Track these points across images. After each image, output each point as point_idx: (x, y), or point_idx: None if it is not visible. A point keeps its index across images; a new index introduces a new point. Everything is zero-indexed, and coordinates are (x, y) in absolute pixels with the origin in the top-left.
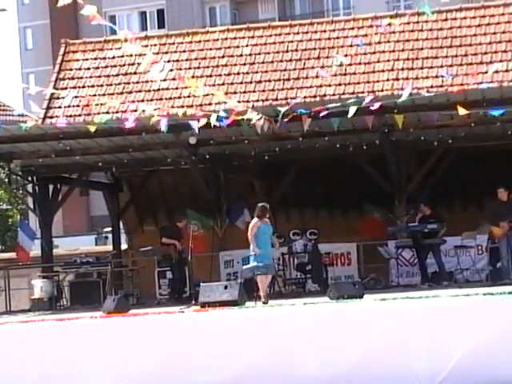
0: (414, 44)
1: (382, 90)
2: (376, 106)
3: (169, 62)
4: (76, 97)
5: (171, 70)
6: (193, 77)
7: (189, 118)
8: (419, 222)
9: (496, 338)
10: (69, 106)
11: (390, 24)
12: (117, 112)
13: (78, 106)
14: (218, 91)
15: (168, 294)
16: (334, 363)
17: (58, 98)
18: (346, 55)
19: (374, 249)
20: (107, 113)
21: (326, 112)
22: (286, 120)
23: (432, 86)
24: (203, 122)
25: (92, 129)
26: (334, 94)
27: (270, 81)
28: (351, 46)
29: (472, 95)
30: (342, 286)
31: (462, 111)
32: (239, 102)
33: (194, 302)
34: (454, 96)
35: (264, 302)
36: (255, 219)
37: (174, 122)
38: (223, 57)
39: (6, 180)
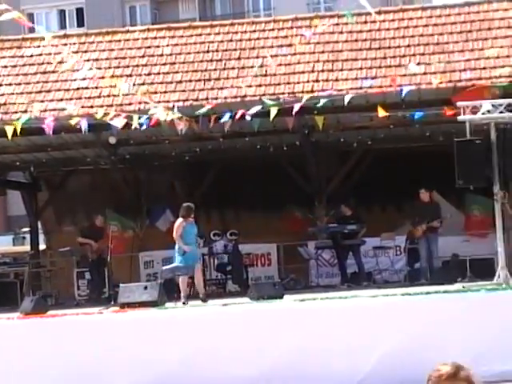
0: (334, 46)
1: (303, 92)
2: (297, 107)
3: (88, 61)
4: None
5: (90, 69)
6: (112, 76)
7: (111, 117)
8: (339, 222)
9: (414, 337)
10: None
11: (310, 26)
12: (34, 111)
13: None
14: (143, 93)
15: (87, 295)
16: (255, 363)
17: None
18: (265, 56)
19: (294, 249)
20: (25, 111)
21: (248, 114)
22: (208, 121)
23: (351, 89)
24: (123, 122)
25: (9, 132)
26: (254, 95)
27: (190, 81)
28: (271, 47)
29: (391, 97)
30: (263, 286)
31: (381, 113)
32: (159, 101)
33: (113, 302)
34: (372, 98)
35: (184, 303)
36: (180, 219)
37: (93, 121)
38: (143, 56)
39: None
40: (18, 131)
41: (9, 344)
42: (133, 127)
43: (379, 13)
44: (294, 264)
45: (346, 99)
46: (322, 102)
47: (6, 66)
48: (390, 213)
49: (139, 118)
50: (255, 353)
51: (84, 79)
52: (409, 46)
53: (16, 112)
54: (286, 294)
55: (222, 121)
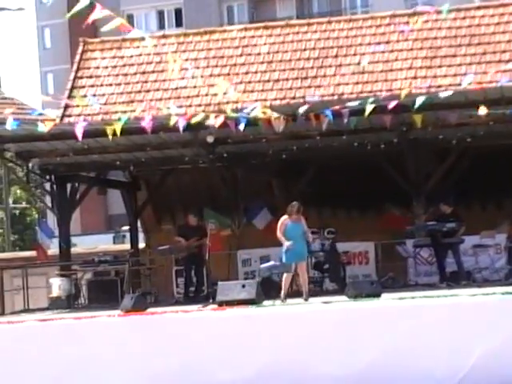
0: (432, 42)
1: (400, 89)
2: (392, 104)
3: (186, 60)
4: (94, 95)
5: (197, 68)
6: (211, 75)
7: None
8: (438, 220)
9: None
10: (86, 106)
11: (408, 22)
12: (134, 111)
13: (84, 96)
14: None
15: (183, 294)
16: (352, 363)
17: (76, 97)
18: (363, 54)
19: (392, 248)
20: (125, 112)
21: (346, 111)
22: (307, 119)
23: (450, 85)
24: (220, 121)
25: (110, 132)
26: (351, 93)
27: (287, 79)
28: (369, 44)
29: (491, 94)
30: (360, 284)
31: (482, 111)
32: (257, 100)
33: (211, 300)
34: (472, 94)
35: (282, 301)
36: (284, 217)
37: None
38: (241, 55)
39: (25, 179)
40: (118, 133)
41: (110, 341)
42: (232, 128)
43: (479, 8)
44: (392, 262)
45: (443, 95)
46: (420, 100)
47: (106, 67)
48: (489, 211)
49: (237, 119)
50: (352, 351)
51: (183, 79)
52: (509, 41)
53: (116, 112)
54: (383, 293)
55: (325, 115)
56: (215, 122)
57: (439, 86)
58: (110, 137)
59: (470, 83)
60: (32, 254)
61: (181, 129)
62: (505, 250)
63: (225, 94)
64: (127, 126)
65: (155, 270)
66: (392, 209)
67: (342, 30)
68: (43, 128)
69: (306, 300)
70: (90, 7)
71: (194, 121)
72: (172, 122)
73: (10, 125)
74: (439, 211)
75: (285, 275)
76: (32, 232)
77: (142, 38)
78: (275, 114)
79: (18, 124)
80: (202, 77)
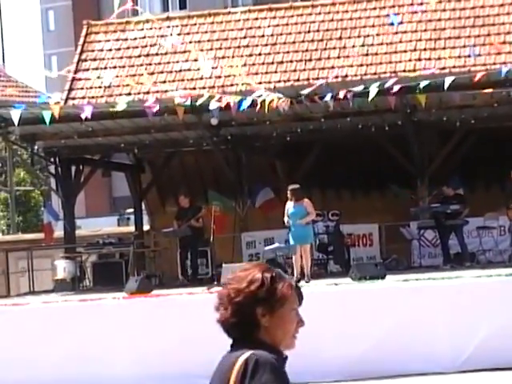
0: (436, 24)
1: (405, 71)
2: (396, 88)
3: (190, 42)
4: (98, 78)
5: (190, 52)
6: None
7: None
8: (441, 202)
9: None
10: (91, 88)
11: (413, 4)
12: (138, 93)
13: (99, 87)
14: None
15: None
16: (356, 344)
17: (79, 80)
18: (367, 36)
19: (396, 230)
20: (129, 94)
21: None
22: (310, 101)
23: (454, 67)
24: (224, 103)
25: (115, 110)
26: (355, 75)
27: (291, 61)
28: (373, 26)
29: (494, 75)
30: (364, 266)
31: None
32: (260, 82)
33: (216, 282)
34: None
35: (296, 281)
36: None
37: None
38: (245, 37)
39: (29, 161)
40: (116, 111)
41: (115, 323)
42: (234, 111)
43: None
44: (396, 244)
45: (447, 82)
46: (424, 83)
47: (110, 50)
48: (493, 192)
49: (240, 101)
50: (356, 333)
51: (186, 61)
52: None
53: (120, 94)
54: (388, 275)
55: (324, 100)
56: (219, 104)
57: (443, 68)
58: (116, 110)
59: (475, 64)
60: (37, 236)
61: (180, 117)
62: (509, 231)
63: (227, 76)
64: (131, 108)
65: (160, 253)
66: (395, 192)
67: (347, 11)
68: (49, 114)
69: (307, 282)
70: None
71: (199, 102)
72: (176, 103)
73: (16, 113)
74: (442, 193)
75: (294, 257)
76: (35, 214)
77: (146, 21)
78: (280, 95)
79: (24, 108)
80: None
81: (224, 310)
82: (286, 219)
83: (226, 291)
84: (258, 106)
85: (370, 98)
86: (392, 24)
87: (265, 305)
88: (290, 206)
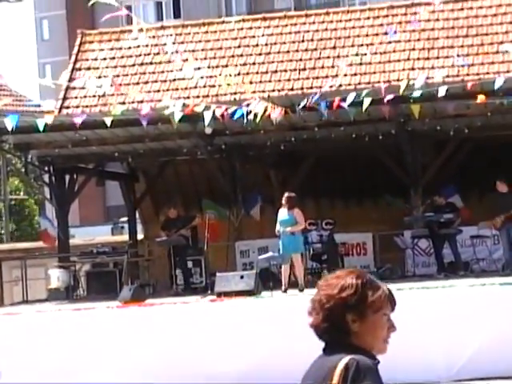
0: (429, 34)
1: (398, 80)
2: (390, 97)
3: (184, 52)
4: (96, 86)
5: (185, 61)
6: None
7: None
8: (435, 211)
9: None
10: (85, 97)
11: (406, 14)
12: (133, 102)
13: (94, 96)
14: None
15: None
16: None
17: (74, 89)
18: (361, 45)
19: (390, 239)
20: (123, 103)
21: (343, 103)
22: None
23: (448, 76)
24: (218, 113)
25: (108, 121)
26: (349, 84)
27: (285, 71)
28: (367, 35)
29: (488, 85)
30: None
31: (480, 99)
32: (254, 92)
33: (209, 291)
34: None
35: (283, 291)
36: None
37: (189, 112)
38: (239, 47)
39: (23, 170)
40: (115, 116)
41: (108, 332)
42: (230, 119)
43: None
44: (390, 253)
45: (441, 91)
46: (418, 92)
47: (104, 59)
48: (487, 202)
49: (235, 110)
50: None
51: (181, 70)
52: (507, 32)
53: (115, 103)
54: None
55: (319, 109)
56: (213, 114)
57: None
58: (109, 123)
59: (468, 74)
60: (31, 245)
61: (175, 122)
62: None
63: (220, 85)
64: (125, 117)
65: (153, 262)
66: (389, 201)
67: (340, 21)
68: (43, 123)
69: (301, 291)
70: None
71: (195, 110)
72: (168, 112)
73: (10, 121)
74: (435, 202)
75: (283, 266)
76: (29, 223)
77: (140, 30)
78: (272, 105)
79: (17, 121)
80: (199, 68)
81: (316, 315)
82: (277, 227)
83: (318, 297)
84: (252, 116)
85: (363, 108)
86: (386, 33)
87: (355, 311)
88: (281, 214)
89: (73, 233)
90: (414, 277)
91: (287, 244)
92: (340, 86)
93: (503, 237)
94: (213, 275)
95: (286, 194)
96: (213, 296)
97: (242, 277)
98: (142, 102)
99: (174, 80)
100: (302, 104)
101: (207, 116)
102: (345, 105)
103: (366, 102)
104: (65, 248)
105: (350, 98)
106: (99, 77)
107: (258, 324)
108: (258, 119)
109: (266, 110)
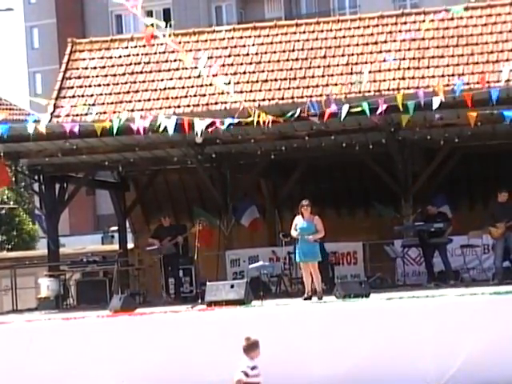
0: (420, 43)
1: (389, 89)
2: (383, 107)
3: (175, 61)
4: (82, 96)
5: (177, 70)
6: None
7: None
8: (425, 221)
9: (502, 337)
10: (75, 106)
11: (396, 23)
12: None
13: (84, 105)
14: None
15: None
16: (340, 362)
17: (64, 98)
18: (351, 54)
19: (381, 248)
20: (114, 112)
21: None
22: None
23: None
24: (208, 122)
25: (99, 131)
26: (340, 93)
27: (276, 80)
28: (357, 45)
29: (478, 94)
30: (349, 284)
31: (471, 115)
32: (245, 101)
33: (200, 301)
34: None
35: (305, 299)
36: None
37: (180, 121)
38: (229, 56)
39: (13, 179)
40: (115, 132)
41: (98, 341)
42: (219, 128)
43: (466, 9)
44: (381, 262)
45: (435, 102)
46: (410, 104)
47: (95, 67)
48: (477, 211)
49: (225, 121)
50: (340, 352)
51: (171, 79)
52: (497, 42)
53: (105, 112)
54: (372, 293)
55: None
56: (202, 123)
57: (427, 87)
58: (99, 131)
59: (463, 91)
60: (20, 254)
61: (170, 130)
62: (492, 249)
63: (212, 94)
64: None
65: (144, 271)
66: (380, 210)
67: (331, 30)
68: (32, 127)
69: (319, 299)
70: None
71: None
72: (158, 123)
73: (0, 130)
74: (426, 211)
75: (304, 274)
76: (19, 233)
77: (131, 39)
78: (263, 114)
79: (7, 129)
80: (189, 77)
81: None
82: (293, 233)
83: None
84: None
85: (343, 116)
86: (376, 43)
87: None
88: (299, 221)
89: (63, 242)
90: (404, 286)
91: (307, 252)
92: (330, 95)
93: (499, 245)
94: (203, 284)
95: (303, 202)
96: (203, 305)
97: (232, 286)
98: (132, 110)
99: (165, 89)
100: (296, 113)
101: (198, 126)
102: (343, 112)
103: (366, 108)
104: (55, 257)
105: (345, 109)
106: (89, 85)
107: (248, 333)
108: (253, 125)
109: (259, 117)
